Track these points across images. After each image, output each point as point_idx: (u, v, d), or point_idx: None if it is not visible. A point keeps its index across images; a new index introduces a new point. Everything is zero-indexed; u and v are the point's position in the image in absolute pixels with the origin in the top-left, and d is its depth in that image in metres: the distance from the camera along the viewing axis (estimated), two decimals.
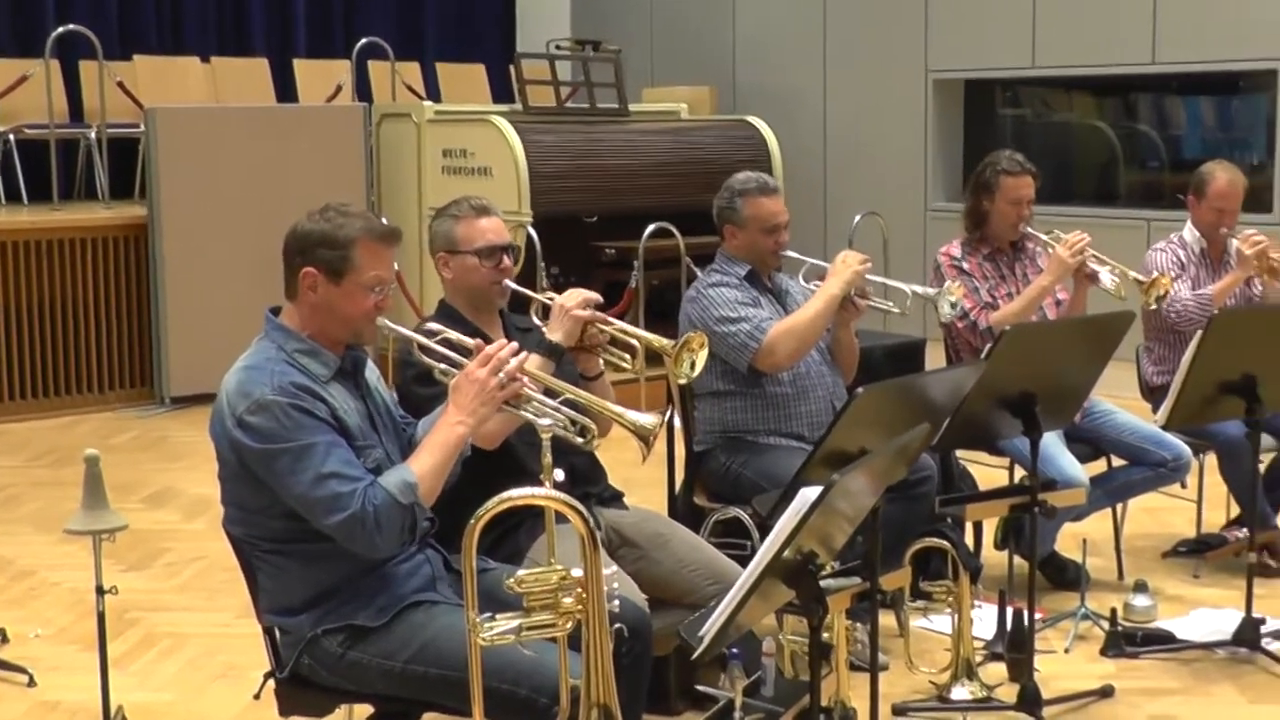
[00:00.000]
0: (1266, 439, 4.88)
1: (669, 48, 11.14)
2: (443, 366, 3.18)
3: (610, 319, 3.63)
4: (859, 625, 4.06)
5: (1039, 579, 4.43)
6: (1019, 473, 4.91)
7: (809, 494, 2.65)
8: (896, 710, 4.09)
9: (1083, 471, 4.74)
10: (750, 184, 4.56)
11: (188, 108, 8.98)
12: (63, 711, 4.21)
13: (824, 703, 3.46)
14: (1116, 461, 5.09)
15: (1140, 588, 4.87)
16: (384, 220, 3.23)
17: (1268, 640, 4.50)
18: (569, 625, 2.75)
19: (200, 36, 10.86)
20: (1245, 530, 4.94)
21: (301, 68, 10.53)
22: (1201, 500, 5.50)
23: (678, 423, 4.62)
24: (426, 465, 3.05)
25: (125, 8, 10.54)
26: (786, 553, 2.70)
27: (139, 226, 8.38)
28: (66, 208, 8.95)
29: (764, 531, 4.04)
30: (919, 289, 4.58)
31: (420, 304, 8.08)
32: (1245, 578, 4.46)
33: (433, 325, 3.35)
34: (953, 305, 4.56)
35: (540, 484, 2.80)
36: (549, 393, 3.14)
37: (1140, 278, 4.99)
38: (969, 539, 5.01)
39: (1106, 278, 4.96)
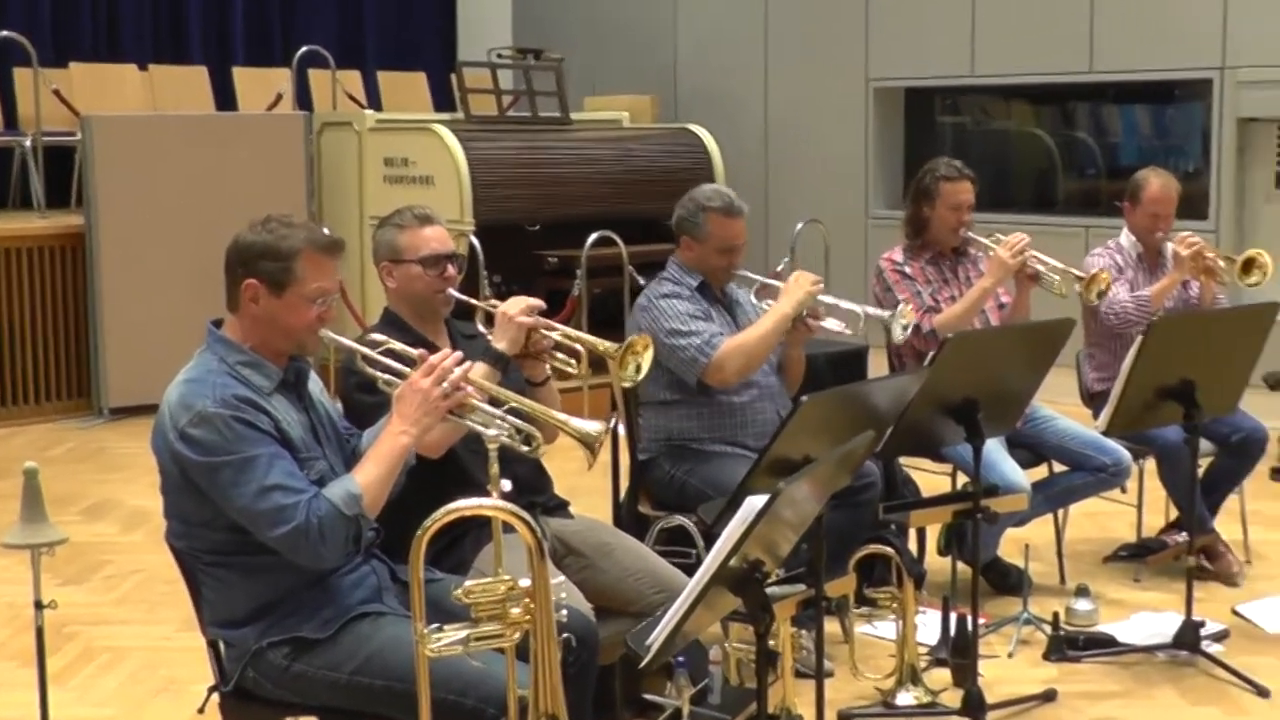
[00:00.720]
0: (1205, 444, 4.92)
1: (611, 56, 11.13)
2: (386, 377, 3.16)
3: (554, 324, 3.62)
4: (804, 632, 4.07)
5: (982, 584, 4.45)
6: (961, 479, 4.95)
7: (755, 503, 2.65)
8: (842, 716, 4.11)
9: (1024, 477, 4.78)
10: (715, 201, 4.49)
11: (125, 116, 8.89)
12: None
13: (770, 710, 3.46)
14: (1058, 467, 5.14)
15: (1082, 592, 4.91)
16: (326, 230, 3.20)
17: (1207, 643, 4.55)
18: (516, 635, 2.75)
19: (137, 43, 10.75)
20: (1184, 534, 4.98)
21: (241, 76, 10.42)
22: (1141, 505, 5.57)
23: (622, 430, 4.62)
24: (371, 476, 3.04)
25: (60, 14, 10.42)
26: (733, 561, 2.71)
27: (76, 236, 8.29)
28: (1, 217, 8.82)
29: (709, 539, 4.05)
30: (872, 310, 4.57)
31: (363, 314, 8.04)
32: (1185, 581, 4.51)
33: (376, 336, 3.32)
34: (904, 328, 4.54)
35: (487, 494, 2.79)
36: (494, 401, 3.13)
37: (1081, 274, 5.04)
38: (912, 545, 5.04)
39: (1048, 277, 5.01)
